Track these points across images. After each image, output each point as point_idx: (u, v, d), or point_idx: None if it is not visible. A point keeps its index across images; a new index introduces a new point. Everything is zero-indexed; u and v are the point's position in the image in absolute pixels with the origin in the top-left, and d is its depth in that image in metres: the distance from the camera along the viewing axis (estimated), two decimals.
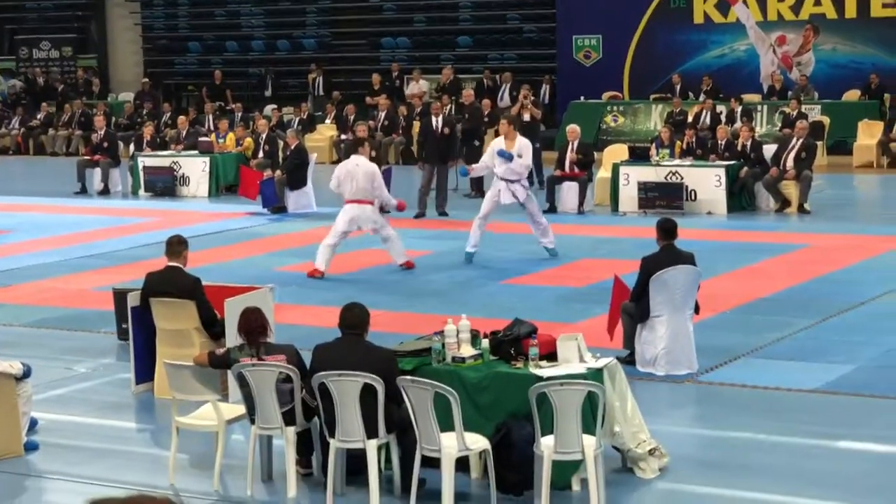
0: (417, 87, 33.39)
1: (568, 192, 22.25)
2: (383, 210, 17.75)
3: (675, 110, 28.93)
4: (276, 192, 23.43)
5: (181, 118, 28.85)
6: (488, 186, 24.02)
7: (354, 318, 9.14)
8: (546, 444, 8.61)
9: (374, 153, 22.44)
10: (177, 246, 11.74)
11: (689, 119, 27.79)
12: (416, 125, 31.18)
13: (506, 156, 17.19)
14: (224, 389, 10.72)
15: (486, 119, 26.77)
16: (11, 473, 9.95)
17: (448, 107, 27.43)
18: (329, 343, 9.25)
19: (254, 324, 9.42)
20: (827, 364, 12.26)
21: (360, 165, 16.91)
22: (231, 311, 10.87)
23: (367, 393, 8.81)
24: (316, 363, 9.11)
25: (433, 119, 22.88)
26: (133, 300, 11.88)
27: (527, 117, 25.10)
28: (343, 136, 29.68)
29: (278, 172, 23.62)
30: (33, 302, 16.13)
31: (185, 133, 27.68)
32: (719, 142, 22.71)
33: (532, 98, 26.09)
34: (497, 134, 18.97)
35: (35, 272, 18.07)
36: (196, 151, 26.33)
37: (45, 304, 16.01)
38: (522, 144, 17.43)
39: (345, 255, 18.41)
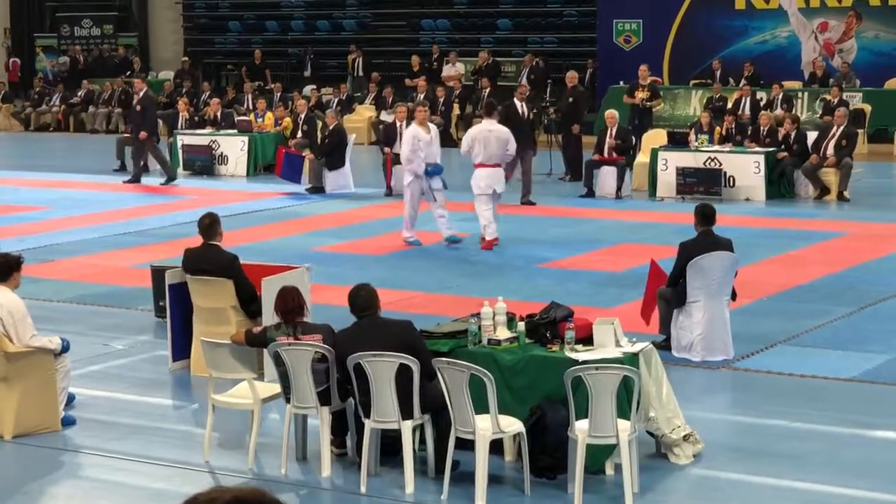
0: (454, 69, 33.34)
1: (606, 177, 22.20)
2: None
3: (715, 96, 28.81)
4: (299, 169, 23.51)
5: (214, 100, 28.81)
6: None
7: (364, 301, 9.15)
8: (580, 428, 8.61)
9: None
10: (211, 226, 11.75)
11: (729, 105, 27.66)
12: (455, 108, 31.22)
13: (437, 171, 17.45)
14: (260, 368, 10.77)
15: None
16: (48, 448, 10.03)
17: (486, 89, 27.20)
18: (347, 330, 9.24)
19: (291, 303, 9.44)
20: (864, 353, 12.21)
21: (492, 131, 17.50)
22: (268, 290, 10.92)
23: (403, 374, 8.83)
24: (339, 352, 9.09)
25: (518, 104, 21.87)
26: (171, 277, 11.94)
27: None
28: (381, 118, 29.70)
29: (309, 153, 23.66)
30: (72, 278, 16.23)
31: (218, 115, 27.64)
32: (762, 128, 22.57)
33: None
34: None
35: (74, 248, 18.18)
36: (235, 130, 26.41)
37: (84, 280, 16.11)
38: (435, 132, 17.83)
39: (384, 236, 18.46)
